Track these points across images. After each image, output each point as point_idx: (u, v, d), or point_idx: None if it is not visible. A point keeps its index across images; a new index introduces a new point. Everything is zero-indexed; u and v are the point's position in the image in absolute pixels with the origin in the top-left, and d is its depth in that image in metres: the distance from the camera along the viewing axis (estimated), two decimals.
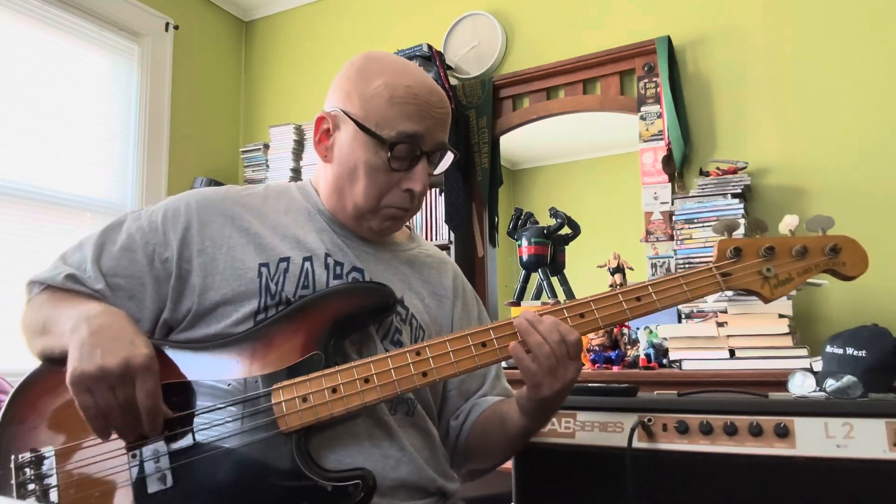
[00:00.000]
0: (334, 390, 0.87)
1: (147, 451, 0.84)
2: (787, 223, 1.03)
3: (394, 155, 0.96)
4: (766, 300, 0.99)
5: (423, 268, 1.12)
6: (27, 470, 0.84)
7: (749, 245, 1.00)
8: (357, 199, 0.99)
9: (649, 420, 1.03)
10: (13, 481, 0.83)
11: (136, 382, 0.81)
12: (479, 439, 1.06)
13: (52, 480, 0.83)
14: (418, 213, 2.92)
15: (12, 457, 0.85)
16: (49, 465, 0.84)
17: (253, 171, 3.44)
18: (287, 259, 0.97)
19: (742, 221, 1.09)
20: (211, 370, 0.89)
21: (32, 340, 0.94)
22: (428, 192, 2.88)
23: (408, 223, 1.14)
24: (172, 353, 0.91)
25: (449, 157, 1.05)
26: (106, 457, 0.84)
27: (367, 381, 0.88)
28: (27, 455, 0.84)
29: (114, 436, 0.84)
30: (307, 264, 0.98)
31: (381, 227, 1.02)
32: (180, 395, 0.87)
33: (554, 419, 1.09)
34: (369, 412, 0.91)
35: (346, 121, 0.99)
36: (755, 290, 0.99)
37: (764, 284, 0.98)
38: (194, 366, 0.90)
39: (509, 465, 1.12)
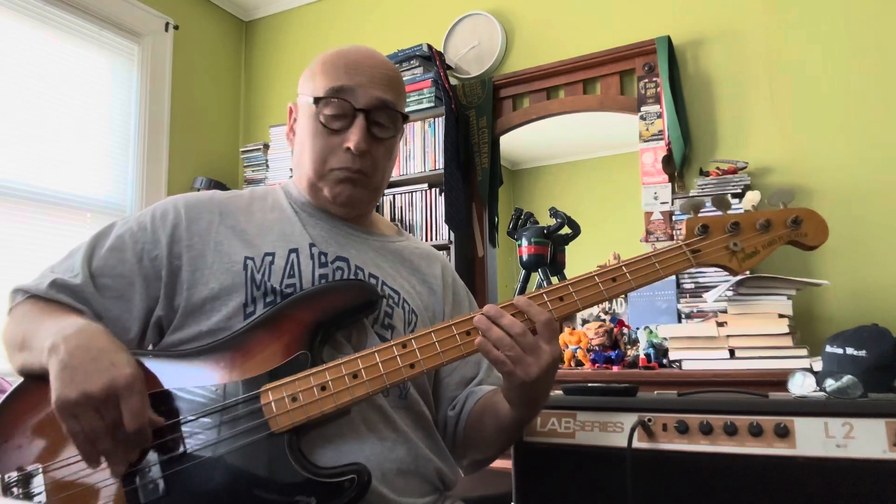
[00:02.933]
0: (323, 388, 0.87)
1: (140, 458, 0.83)
2: (750, 199, 1.06)
3: (326, 113, 1.00)
4: (735, 273, 1.03)
5: (413, 258, 1.14)
6: (15, 489, 0.82)
7: (715, 222, 1.02)
8: (307, 170, 1.04)
9: (649, 420, 1.03)
10: (1, 501, 0.82)
11: (121, 404, 0.79)
12: (474, 430, 1.07)
13: (42, 498, 0.82)
14: (419, 214, 2.92)
15: None
16: (37, 482, 0.83)
17: (253, 171, 3.43)
18: (272, 254, 0.99)
19: (707, 200, 1.12)
20: (199, 376, 0.89)
21: (12, 355, 0.93)
22: (428, 191, 2.91)
23: (396, 221, 1.15)
24: (158, 363, 0.91)
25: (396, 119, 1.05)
26: (96, 471, 0.83)
27: (355, 376, 0.88)
28: (14, 474, 0.83)
29: (104, 464, 0.81)
30: (292, 256, 0.99)
31: (333, 192, 1.03)
32: (169, 403, 0.86)
33: (554, 419, 1.09)
34: (362, 400, 0.92)
35: (298, 103, 1.07)
36: (724, 265, 1.01)
37: (732, 258, 1.01)
38: (182, 373, 0.89)
39: (509, 464, 1.12)
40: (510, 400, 0.95)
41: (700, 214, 1.03)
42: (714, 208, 1.06)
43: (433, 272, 1.14)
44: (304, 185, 1.07)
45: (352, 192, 1.04)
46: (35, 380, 0.88)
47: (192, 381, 0.88)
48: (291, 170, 3.25)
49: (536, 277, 2.77)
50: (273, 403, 0.86)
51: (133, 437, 0.80)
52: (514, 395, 0.94)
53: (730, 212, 1.04)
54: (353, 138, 0.99)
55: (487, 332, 0.89)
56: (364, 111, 1.00)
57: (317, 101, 1.00)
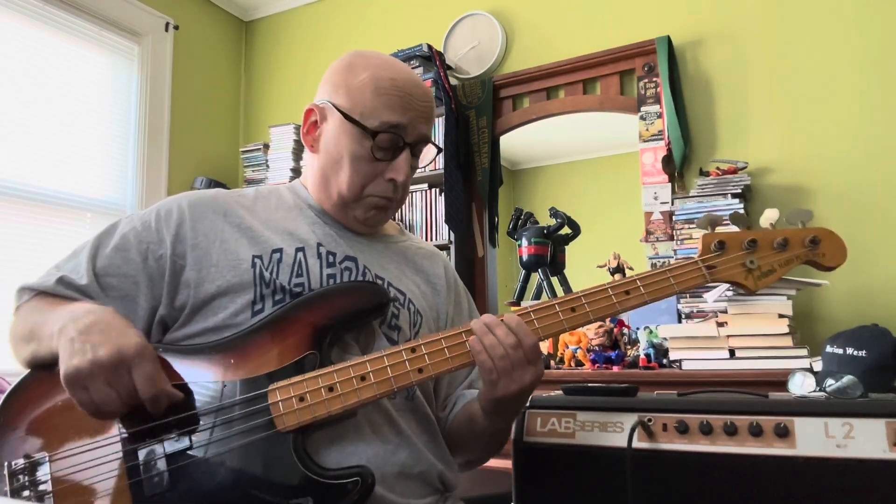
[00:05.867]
0: (331, 389, 0.88)
1: (143, 453, 0.84)
2: (768, 217, 1.06)
3: (377, 145, 0.99)
4: (751, 291, 1.02)
5: (416, 258, 1.14)
6: (21, 477, 0.82)
7: (732, 238, 1.02)
8: (341, 188, 1.02)
9: (649, 420, 1.03)
10: (7, 488, 0.82)
11: (133, 371, 0.80)
12: (457, 433, 1.08)
13: (47, 486, 0.82)
14: (419, 214, 2.93)
15: (5, 464, 0.84)
16: (43, 470, 0.83)
17: (253, 171, 3.43)
18: (280, 250, 0.99)
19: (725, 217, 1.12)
20: (206, 372, 0.89)
21: (20, 348, 0.93)
22: (428, 191, 2.91)
23: (398, 220, 1.15)
24: (167, 356, 0.91)
25: (430, 150, 1.08)
26: (101, 461, 0.84)
27: (363, 378, 0.89)
28: (20, 462, 0.83)
29: (113, 433, 0.83)
30: (300, 255, 0.99)
31: (365, 216, 1.04)
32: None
33: (554, 419, 1.09)
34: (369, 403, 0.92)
35: (332, 112, 1.03)
36: (739, 282, 1.01)
37: (748, 276, 1.01)
38: (190, 368, 0.90)
39: (509, 464, 1.12)
40: (484, 408, 0.97)
41: (717, 230, 1.03)
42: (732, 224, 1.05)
43: (436, 271, 1.15)
44: (325, 197, 1.06)
45: (382, 217, 1.07)
46: (42, 370, 0.88)
47: (200, 377, 0.89)
48: (293, 171, 3.26)
49: (536, 277, 2.77)
50: (280, 402, 0.86)
51: (149, 405, 0.81)
52: (489, 404, 0.96)
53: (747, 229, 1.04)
54: (399, 173, 1.01)
55: (483, 335, 0.90)
56: (410, 145, 1.02)
57: (374, 135, 0.99)
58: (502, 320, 0.92)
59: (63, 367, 0.79)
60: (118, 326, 0.83)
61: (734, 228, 1.05)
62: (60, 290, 0.95)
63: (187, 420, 0.85)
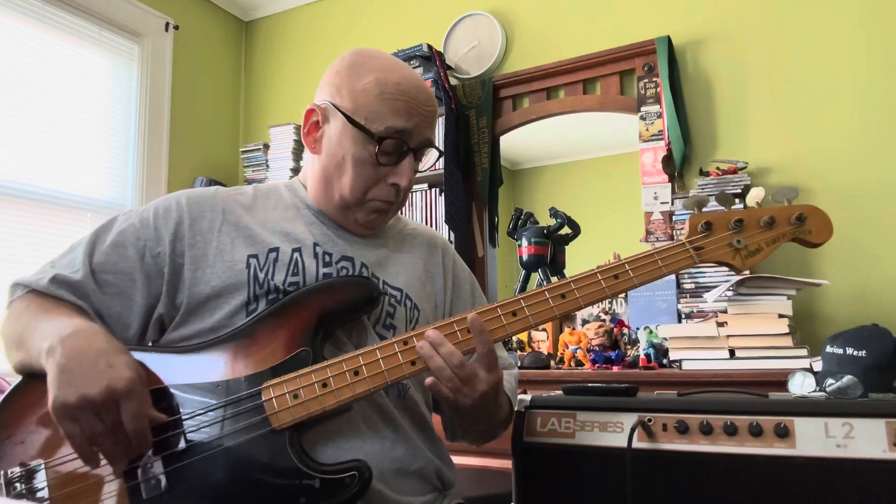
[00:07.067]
0: (324, 384, 0.88)
1: (140, 456, 0.83)
2: (754, 196, 1.07)
3: (381, 150, 0.98)
4: (738, 271, 1.03)
5: (413, 246, 1.14)
6: (18, 485, 0.82)
7: (719, 219, 1.02)
8: (343, 191, 1.01)
9: (649, 420, 1.03)
10: (4, 497, 0.82)
11: (121, 407, 0.79)
12: (449, 426, 1.10)
13: (45, 493, 0.82)
14: (419, 214, 2.93)
15: (1, 472, 0.83)
16: (40, 478, 0.83)
17: (253, 171, 3.43)
18: (276, 249, 0.99)
19: (711, 197, 1.11)
20: (200, 372, 0.89)
21: (10, 352, 0.92)
22: (428, 191, 2.91)
23: None
24: (161, 358, 0.91)
25: (432, 154, 1.07)
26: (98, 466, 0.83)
27: (356, 373, 0.89)
28: (17, 470, 0.83)
29: (104, 462, 0.81)
30: (296, 254, 0.99)
31: (366, 219, 1.04)
32: (171, 398, 0.87)
33: (554, 419, 1.09)
34: (364, 397, 0.92)
35: (335, 114, 1.01)
36: (727, 262, 1.01)
37: (735, 256, 1.01)
38: (183, 368, 0.90)
39: (509, 464, 1.13)
40: (454, 417, 0.99)
41: (704, 211, 1.03)
42: (718, 205, 1.05)
43: (434, 259, 1.15)
44: (325, 198, 1.05)
45: (382, 220, 1.06)
46: (35, 377, 0.87)
47: (193, 376, 0.89)
48: (293, 171, 3.26)
49: (536, 277, 2.77)
50: (274, 400, 0.86)
51: (133, 439, 0.80)
52: (454, 415, 0.97)
53: (733, 208, 1.03)
54: (403, 178, 1.00)
55: (430, 359, 0.90)
56: (413, 150, 1.01)
57: (379, 140, 0.98)
58: (465, 318, 0.91)
59: (51, 398, 0.78)
60: (106, 356, 0.81)
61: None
62: (53, 291, 0.94)
63: (183, 421, 0.85)
